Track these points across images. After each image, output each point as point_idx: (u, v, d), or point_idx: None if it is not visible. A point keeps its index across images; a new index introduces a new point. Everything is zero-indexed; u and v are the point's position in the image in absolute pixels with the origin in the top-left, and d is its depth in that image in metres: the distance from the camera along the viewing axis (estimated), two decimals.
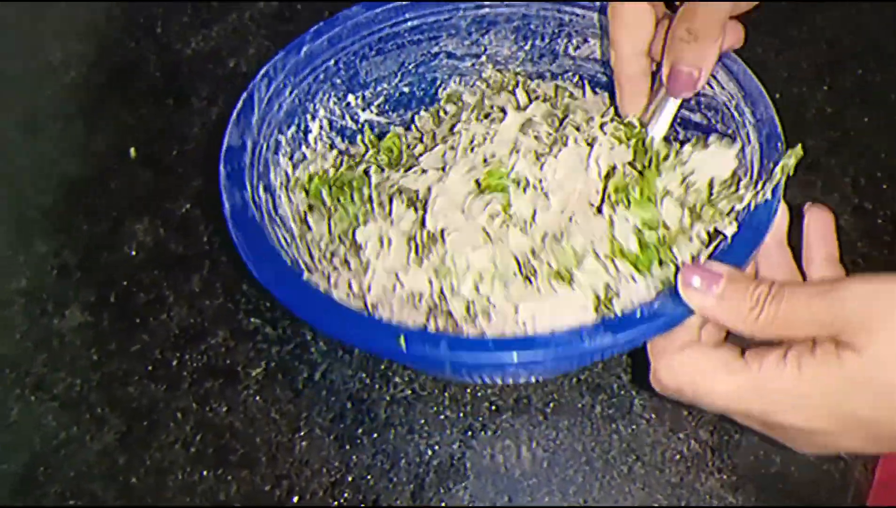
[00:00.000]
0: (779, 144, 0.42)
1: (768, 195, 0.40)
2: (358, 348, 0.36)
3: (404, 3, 0.50)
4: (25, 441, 0.49)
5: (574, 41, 0.51)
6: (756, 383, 0.33)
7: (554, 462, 0.48)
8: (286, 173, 0.48)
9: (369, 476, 0.48)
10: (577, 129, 0.47)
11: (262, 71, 0.47)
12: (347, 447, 0.49)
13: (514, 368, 0.39)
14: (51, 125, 0.59)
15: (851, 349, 0.31)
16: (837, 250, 0.40)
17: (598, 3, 0.49)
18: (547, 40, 0.52)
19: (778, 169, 0.40)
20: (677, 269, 0.37)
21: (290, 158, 0.49)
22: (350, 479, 0.48)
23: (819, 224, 0.40)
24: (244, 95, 0.46)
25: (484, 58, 0.53)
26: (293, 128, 0.49)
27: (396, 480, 0.48)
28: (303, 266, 0.45)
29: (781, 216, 0.40)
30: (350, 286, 0.44)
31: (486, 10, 0.51)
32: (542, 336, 0.35)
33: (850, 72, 0.60)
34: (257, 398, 0.50)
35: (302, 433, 0.49)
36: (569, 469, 0.48)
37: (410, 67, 0.53)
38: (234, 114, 0.45)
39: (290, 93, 0.48)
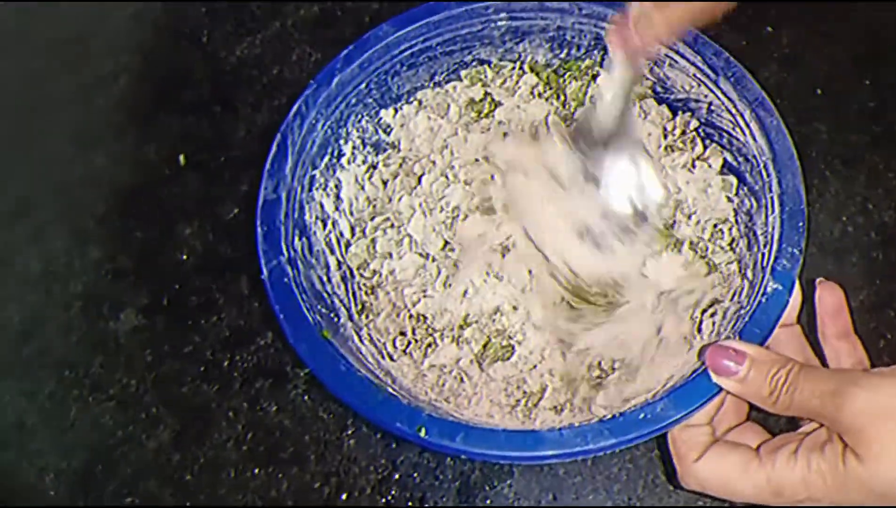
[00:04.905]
0: (800, 225, 0.42)
1: (781, 285, 0.41)
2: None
3: (435, 19, 0.49)
4: (83, 441, 0.51)
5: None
6: (773, 481, 0.37)
7: (598, 459, 0.49)
8: (321, 205, 0.49)
9: (416, 474, 0.49)
10: None
11: (294, 109, 0.47)
12: (394, 445, 0.50)
13: (523, 461, 0.41)
14: (102, 136, 0.61)
15: (853, 454, 0.35)
16: (850, 324, 0.42)
17: None
18: (583, 51, 0.52)
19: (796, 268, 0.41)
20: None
21: (325, 189, 0.49)
22: (397, 477, 0.49)
23: (830, 301, 0.42)
24: (277, 137, 0.46)
25: (519, 63, 0.53)
26: (326, 158, 0.49)
27: (443, 477, 0.49)
28: (339, 306, 0.46)
29: (794, 299, 0.41)
30: (377, 343, 0.46)
31: (521, 21, 0.51)
32: (550, 434, 0.38)
33: (891, 65, 0.60)
34: (306, 397, 0.51)
35: (350, 432, 0.50)
36: (613, 467, 0.49)
37: (443, 76, 0.53)
38: (269, 162, 0.46)
39: (323, 126, 0.48)
